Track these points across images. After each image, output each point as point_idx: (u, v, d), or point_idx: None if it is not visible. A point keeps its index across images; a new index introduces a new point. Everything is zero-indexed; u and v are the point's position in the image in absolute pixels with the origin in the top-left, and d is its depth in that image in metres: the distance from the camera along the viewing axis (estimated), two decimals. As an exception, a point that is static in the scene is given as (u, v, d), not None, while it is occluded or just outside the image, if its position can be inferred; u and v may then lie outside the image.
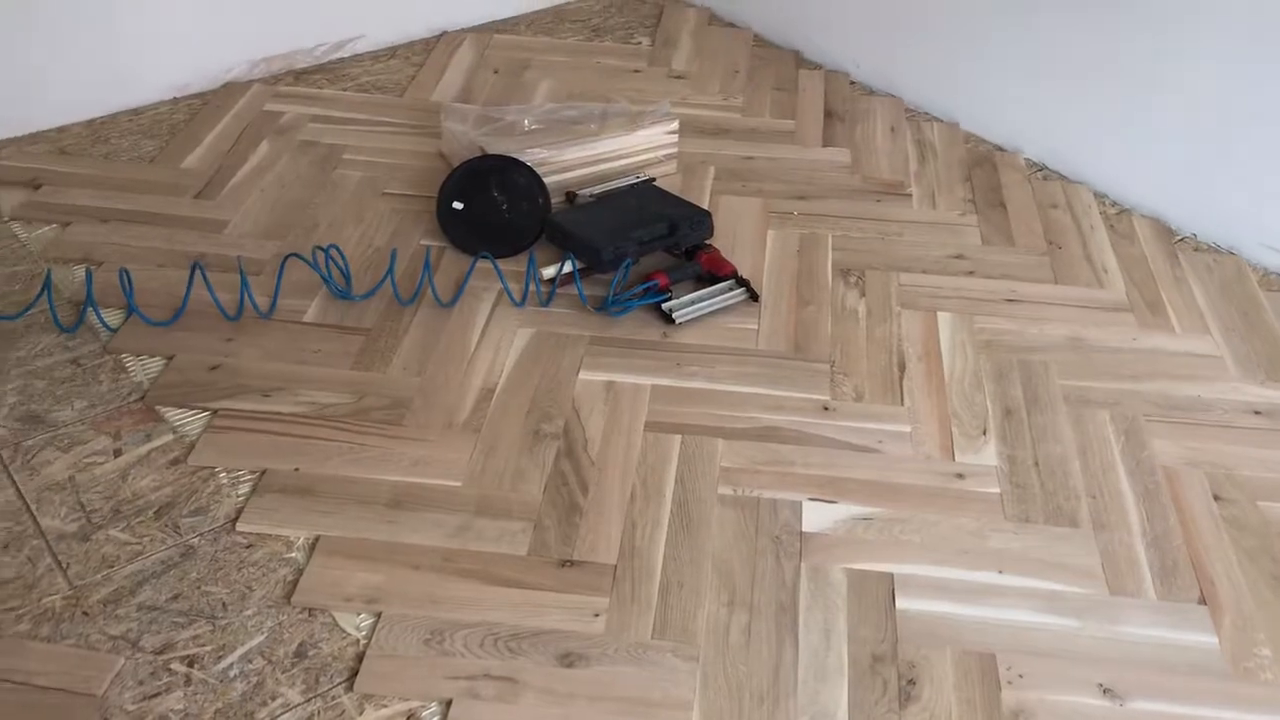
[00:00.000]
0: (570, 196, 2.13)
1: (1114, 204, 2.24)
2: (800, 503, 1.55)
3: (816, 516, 1.53)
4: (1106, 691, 1.31)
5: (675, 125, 2.22)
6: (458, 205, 2.02)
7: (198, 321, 1.82)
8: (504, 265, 1.96)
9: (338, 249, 1.91)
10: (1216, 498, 1.57)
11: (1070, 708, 1.29)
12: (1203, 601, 1.42)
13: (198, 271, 1.84)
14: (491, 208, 2.02)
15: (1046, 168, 2.34)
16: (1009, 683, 1.32)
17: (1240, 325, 1.91)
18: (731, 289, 1.92)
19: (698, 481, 1.57)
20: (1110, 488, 1.58)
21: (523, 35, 2.82)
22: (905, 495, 1.56)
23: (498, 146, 2.10)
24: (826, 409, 1.71)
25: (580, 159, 2.15)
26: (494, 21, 2.88)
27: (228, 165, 2.23)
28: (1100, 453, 1.64)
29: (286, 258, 1.89)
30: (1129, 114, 2.17)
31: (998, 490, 1.58)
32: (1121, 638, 1.37)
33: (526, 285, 1.91)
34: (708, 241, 2.00)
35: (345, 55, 2.67)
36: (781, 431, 1.66)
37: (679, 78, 2.64)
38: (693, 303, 1.88)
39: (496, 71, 2.63)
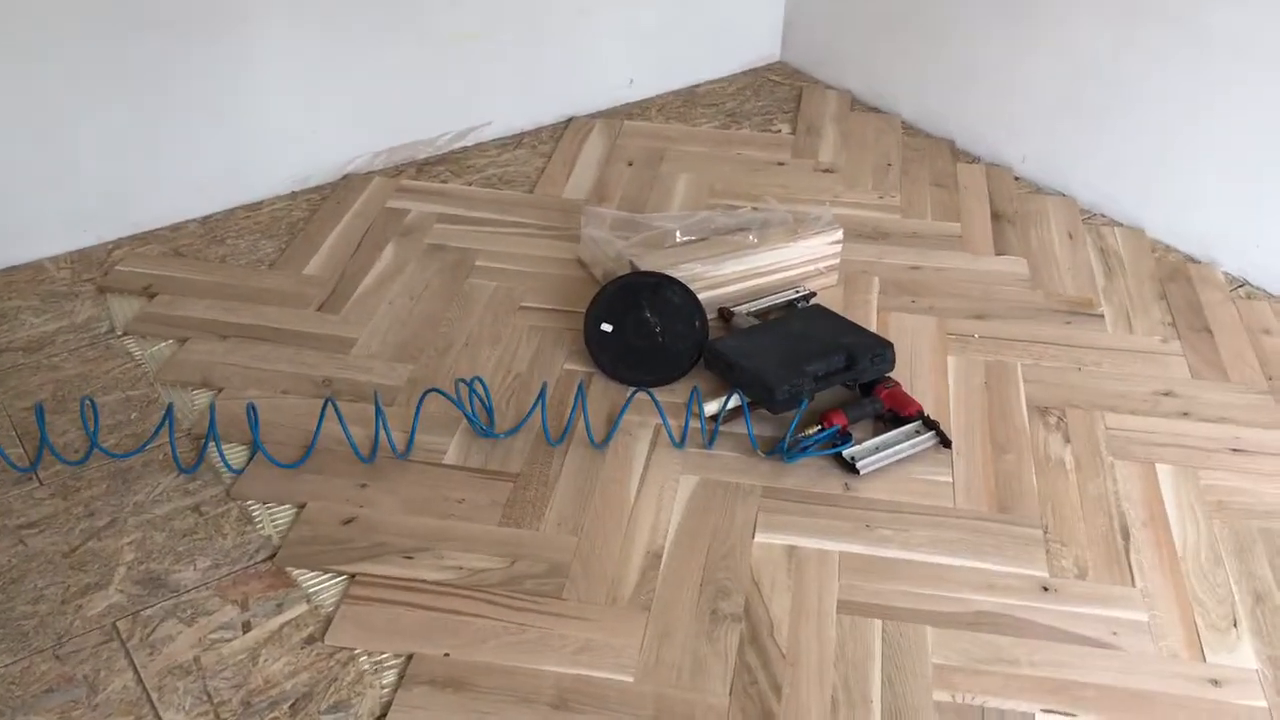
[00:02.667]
0: (725, 315, 1.94)
1: (1335, 328, 1.99)
2: (1034, 715, 1.32)
3: (1053, 734, 1.30)
4: None
5: (839, 235, 2.02)
6: (607, 327, 1.83)
7: (328, 463, 1.64)
8: (660, 397, 1.76)
9: (482, 382, 1.73)
10: None
11: None
12: None
13: (330, 406, 1.66)
14: (644, 330, 1.83)
15: (1249, 283, 2.10)
16: None
17: None
18: (918, 432, 1.70)
19: (908, 684, 1.35)
20: (1401, 704, 1.34)
21: (654, 121, 2.64)
22: (1154, 706, 1.33)
23: (648, 260, 1.91)
24: (1046, 589, 1.48)
25: (737, 273, 1.95)
26: (624, 105, 2.70)
27: (352, 272, 2.06)
28: (1380, 656, 1.40)
29: (426, 393, 1.71)
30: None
31: (1264, 704, 1.34)
32: None
33: (687, 422, 1.72)
34: (888, 375, 1.79)
35: (469, 144, 2.51)
36: (998, 618, 1.44)
37: (827, 171, 2.44)
38: (877, 449, 1.67)
39: (630, 164, 2.45)
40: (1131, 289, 2.07)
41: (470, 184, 2.37)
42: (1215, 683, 1.36)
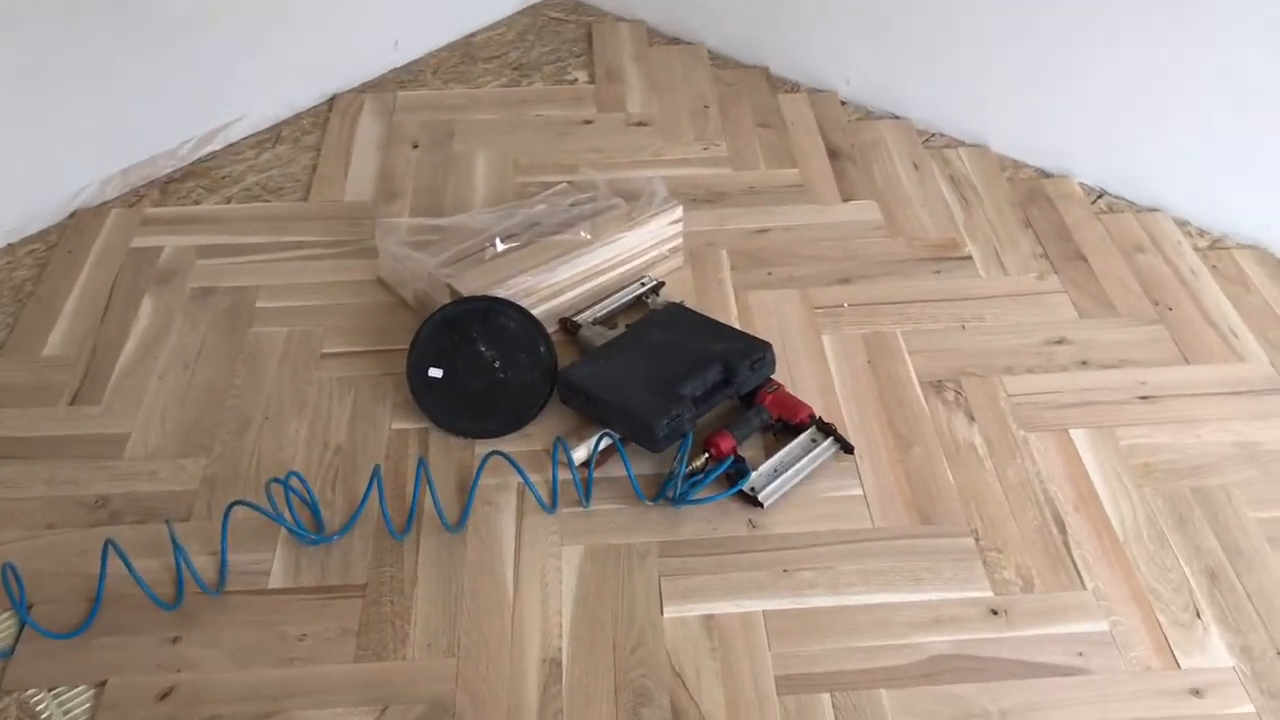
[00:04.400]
0: (569, 327, 1.67)
1: (1201, 232, 1.88)
2: (1020, 781, 1.16)
3: (1049, 800, 1.14)
4: None
5: (679, 213, 1.76)
6: (436, 373, 1.54)
7: (125, 617, 1.31)
8: (517, 447, 1.49)
9: (299, 478, 1.41)
10: None
11: None
12: None
13: (111, 549, 1.31)
14: (480, 368, 1.55)
15: (1107, 192, 1.97)
16: None
17: None
18: (814, 440, 1.50)
19: (879, 772, 1.16)
20: (1383, 677, 1.24)
21: (432, 88, 2.29)
22: (1144, 739, 1.19)
23: (468, 281, 1.61)
24: (995, 612, 1.31)
25: (574, 277, 1.68)
26: (392, 71, 2.33)
27: (105, 343, 1.68)
28: (1348, 622, 1.29)
29: (230, 507, 1.37)
30: (1213, 123, 1.80)
31: (1252, 708, 1.21)
32: None
33: (555, 478, 1.45)
34: (770, 377, 1.56)
35: (218, 148, 2.10)
36: (954, 662, 1.26)
37: (640, 125, 2.16)
38: (776, 471, 1.46)
39: (416, 146, 2.11)
40: (993, 220, 1.91)
41: (229, 200, 1.98)
42: (1197, 693, 1.23)
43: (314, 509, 1.41)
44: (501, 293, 1.58)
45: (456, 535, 1.40)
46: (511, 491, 1.46)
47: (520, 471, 1.43)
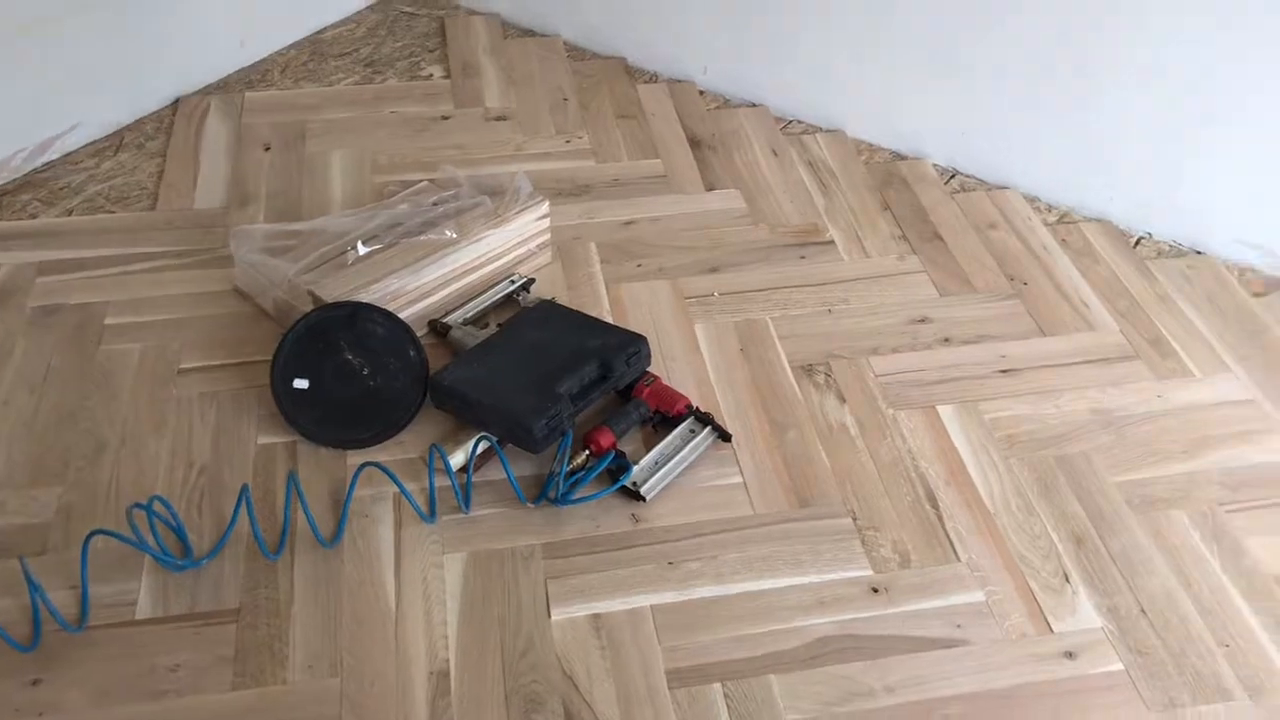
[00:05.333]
0: (439, 329, 1.63)
1: (1049, 207, 1.95)
2: (909, 754, 1.18)
3: (936, 771, 1.17)
4: None
5: (546, 208, 1.74)
6: (301, 384, 1.49)
7: (-24, 664, 1.23)
8: (391, 456, 1.46)
9: (163, 501, 1.35)
10: (1349, 609, 1.33)
11: None
12: None
13: (-43, 591, 1.24)
14: (348, 376, 1.51)
15: (959, 172, 2.03)
16: None
17: (1253, 351, 1.67)
18: (692, 431, 1.50)
19: (773, 758, 1.18)
20: (1237, 626, 1.31)
21: (281, 88, 2.21)
22: (1022, 704, 1.22)
23: (330, 287, 1.56)
24: (876, 590, 1.34)
25: (442, 278, 1.65)
26: (238, 72, 2.25)
27: (-61, 370, 1.58)
28: (1203, 575, 1.36)
29: (90, 537, 1.30)
30: (1055, 100, 1.87)
31: (1120, 666, 1.26)
32: None
33: (432, 485, 1.42)
34: (646, 370, 1.56)
35: (54, 158, 1.99)
36: (839, 642, 1.28)
37: (500, 119, 2.13)
38: (657, 464, 1.46)
39: (267, 148, 2.04)
40: (853, 204, 1.95)
41: (70, 212, 1.88)
42: (1070, 655, 1.27)
43: (180, 533, 1.35)
44: (366, 297, 1.54)
45: (332, 551, 1.36)
46: (388, 502, 1.42)
47: (395, 481, 1.40)
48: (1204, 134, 1.76)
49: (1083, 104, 1.83)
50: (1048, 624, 1.31)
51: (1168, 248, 1.87)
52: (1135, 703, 1.23)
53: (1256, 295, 1.78)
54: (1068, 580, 1.35)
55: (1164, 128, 1.78)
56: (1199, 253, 1.86)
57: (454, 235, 1.65)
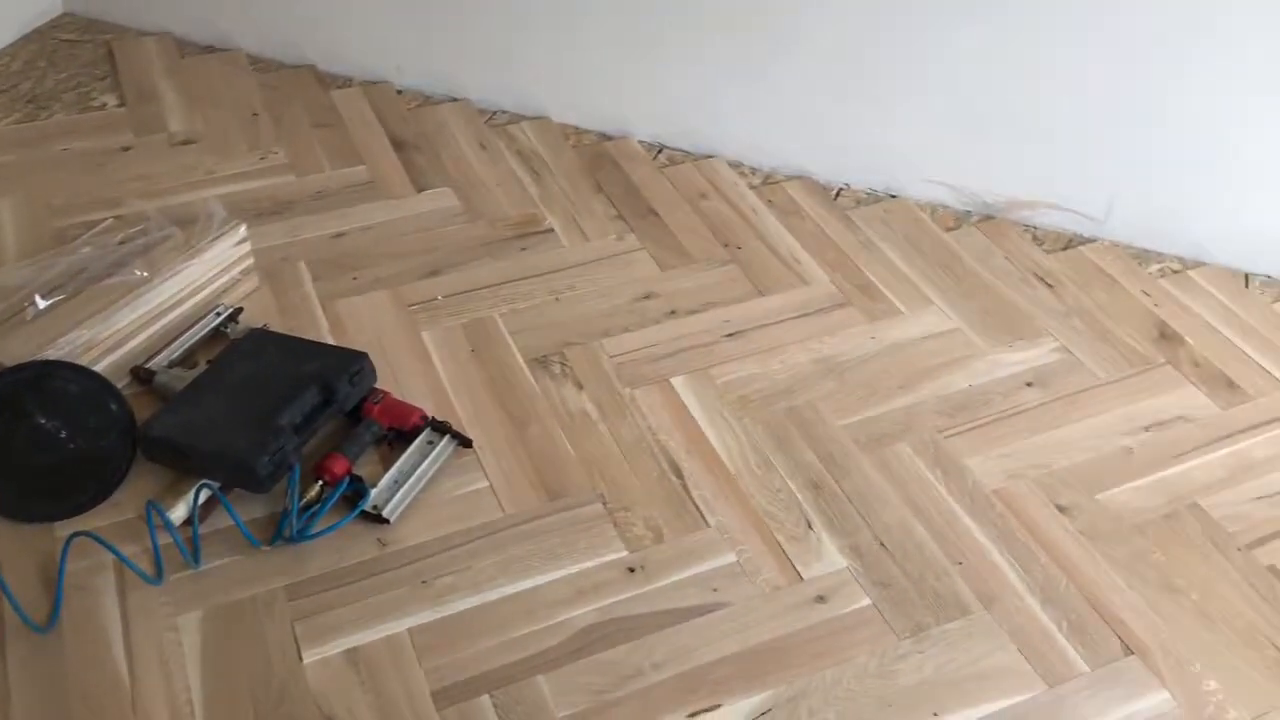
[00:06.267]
0: (142, 376, 1.52)
1: (753, 171, 2.02)
2: (683, 727, 1.19)
3: (711, 737, 1.19)
4: (1126, 823, 1.13)
5: (243, 232, 1.65)
6: (-10, 458, 1.35)
7: None
8: (102, 521, 1.34)
9: None
10: (1060, 509, 1.43)
11: None
12: (1129, 651, 1.28)
13: None
14: (43, 442, 1.38)
15: (666, 146, 2.06)
16: None
17: (951, 283, 1.78)
18: (431, 443, 1.46)
19: (551, 759, 1.16)
20: (967, 544, 1.39)
21: (-68, 133, 2.00)
22: (783, 655, 1.26)
23: (10, 348, 1.43)
24: (633, 569, 1.34)
25: (137, 321, 1.53)
26: (-125, 122, 2.02)
27: None
28: (931, 500, 1.44)
29: None
30: (747, 67, 1.93)
31: (868, 600, 1.32)
32: (1095, 741, 1.19)
33: (155, 544, 1.32)
34: (373, 387, 1.50)
35: None
36: (602, 629, 1.28)
37: (187, 143, 2.01)
38: (396, 483, 1.41)
39: (-77, 203, 1.84)
40: (566, 189, 1.94)
41: None
42: (821, 599, 1.32)
43: None
44: (53, 354, 1.42)
45: (50, 635, 1.24)
46: (108, 571, 1.31)
47: (110, 547, 1.29)
48: (884, 86, 1.85)
49: (773, 68, 1.90)
50: (797, 573, 1.35)
51: (865, 196, 1.97)
52: (886, 634, 1.29)
53: (949, 230, 1.90)
54: (810, 527, 1.40)
55: (847, 83, 1.87)
56: (894, 196, 1.96)
57: (144, 274, 1.54)
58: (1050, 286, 1.78)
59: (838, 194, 1.97)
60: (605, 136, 2.08)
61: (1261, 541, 1.40)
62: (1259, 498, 1.46)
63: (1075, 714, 1.21)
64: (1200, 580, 1.35)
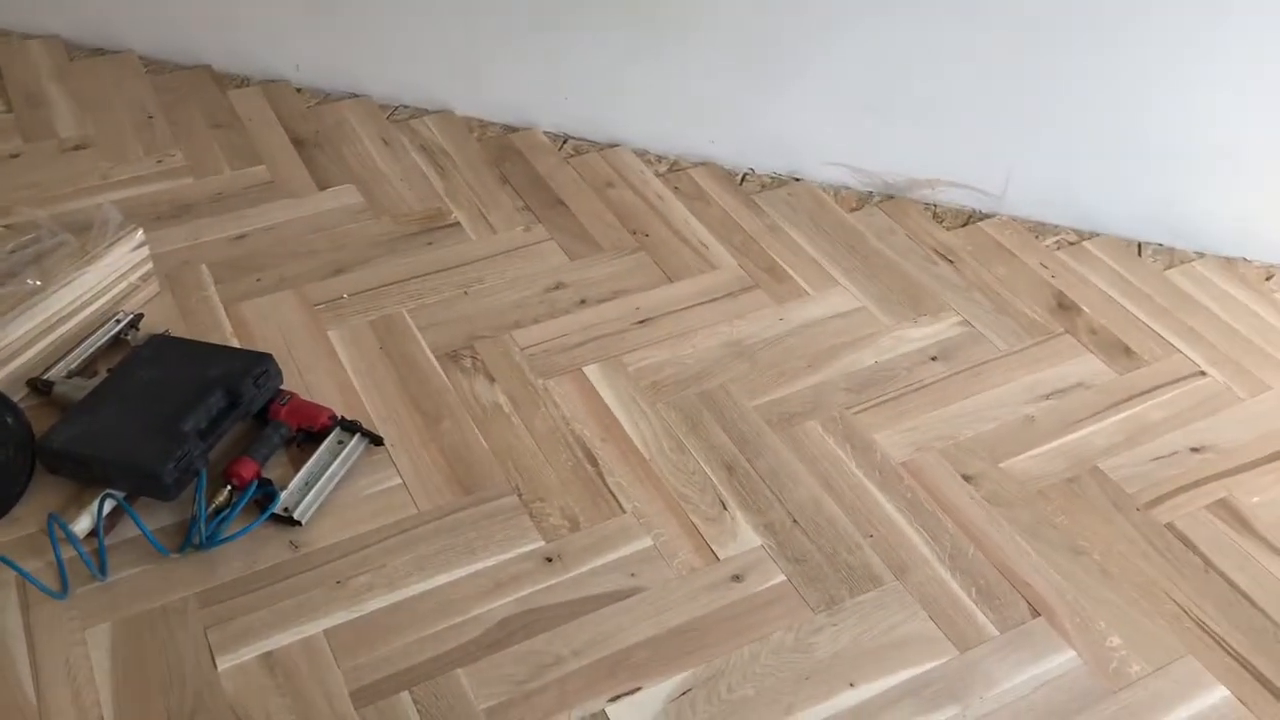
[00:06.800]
0: (41, 388, 1.49)
1: (659, 158, 2.03)
2: (603, 712, 1.20)
3: (633, 720, 1.19)
4: (1037, 779, 1.16)
5: (140, 236, 1.62)
6: (-120, 479, 1.31)
7: None
8: (4, 534, 1.31)
9: None
10: (966, 478, 1.47)
11: (1021, 822, 1.13)
12: (1035, 613, 1.31)
13: None
14: (-63, 461, 1.34)
15: (570, 136, 2.06)
16: (952, 827, 1.12)
17: (856, 263, 1.81)
18: (341, 442, 1.45)
19: (473, 751, 1.16)
20: (877, 515, 1.42)
21: None
22: (701, 635, 1.27)
23: (-102, 363, 1.38)
24: (550, 559, 1.35)
25: (32, 332, 1.49)
26: None
27: None
28: (842, 476, 1.46)
29: None
30: (649, 54, 1.93)
31: (783, 577, 1.34)
32: (1003, 703, 1.22)
33: (59, 558, 1.29)
34: (280, 388, 1.49)
35: None
36: (521, 620, 1.28)
37: (79, 148, 1.96)
38: (307, 484, 1.39)
39: None
40: (472, 182, 1.94)
41: None
42: (737, 578, 1.34)
43: None
44: (-57, 369, 1.38)
45: (-49, 656, 1.21)
46: (9, 587, 1.28)
47: (10, 564, 1.26)
48: (783, 71, 1.87)
49: (674, 56, 1.91)
50: (713, 553, 1.36)
51: (769, 179, 1.99)
52: (802, 608, 1.31)
53: (852, 210, 1.93)
54: (725, 508, 1.42)
55: (748, 69, 1.89)
56: (798, 180, 1.99)
57: (38, 282, 1.50)
58: (951, 262, 1.82)
59: (743, 179, 1.99)
60: (510, 128, 2.08)
61: (1159, 501, 1.45)
62: (1156, 458, 1.51)
63: (986, 677, 1.24)
64: (1102, 541, 1.40)
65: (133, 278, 1.62)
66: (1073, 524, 1.42)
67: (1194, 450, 1.52)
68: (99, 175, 1.89)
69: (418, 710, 1.19)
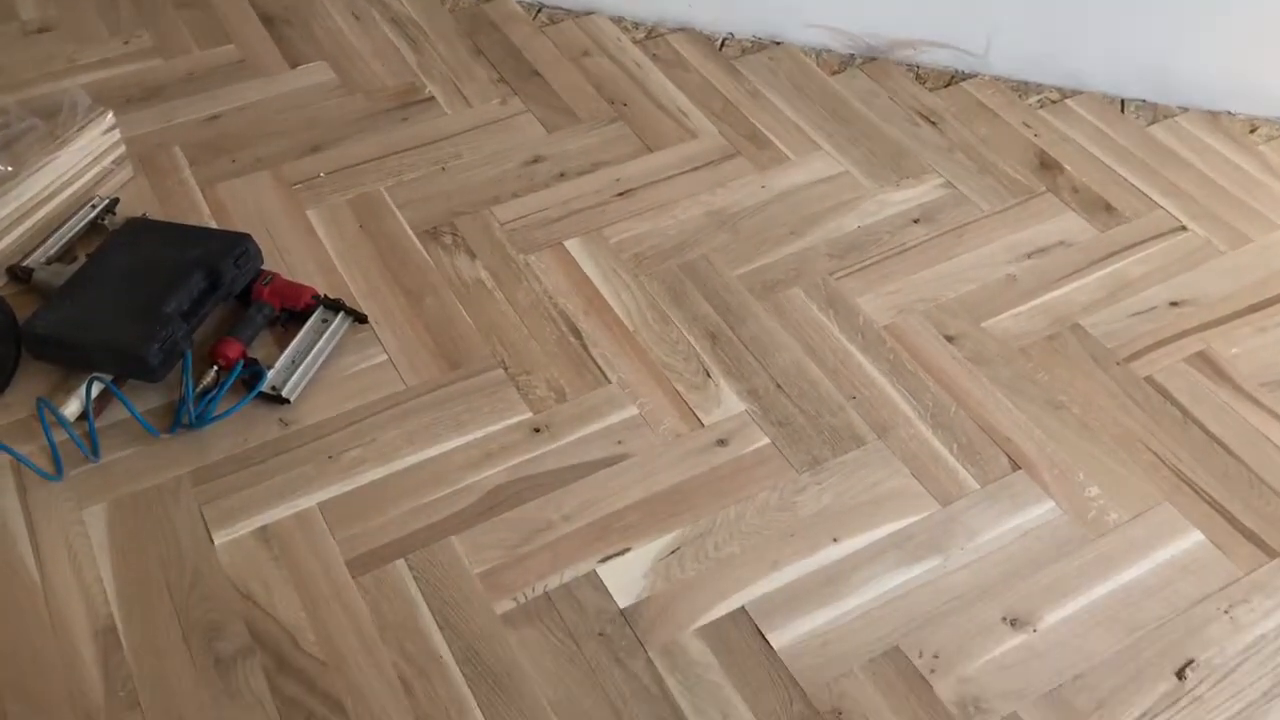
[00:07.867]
0: (20, 274, 1.48)
1: (635, 25, 1.98)
2: (594, 572, 1.23)
3: (622, 580, 1.22)
4: (1014, 623, 1.20)
5: (111, 119, 1.59)
6: None
7: None
8: (-5, 426, 1.33)
9: None
10: (948, 339, 1.48)
11: (998, 665, 1.17)
12: (1016, 466, 1.34)
13: None
14: (-78, 350, 1.34)
15: (545, 5, 2.02)
16: (931, 671, 1.16)
17: (838, 127, 1.79)
18: (325, 320, 1.45)
19: (466, 614, 1.19)
20: (860, 378, 1.43)
21: None
22: (688, 497, 1.30)
23: (-126, 253, 1.37)
24: (538, 430, 1.36)
25: (7, 218, 1.48)
26: None
27: None
28: (825, 341, 1.47)
29: None
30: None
31: (767, 440, 1.36)
32: (984, 553, 1.26)
33: (51, 441, 1.30)
34: (261, 269, 1.48)
35: None
36: (512, 488, 1.30)
37: (42, 31, 1.91)
38: (294, 363, 1.40)
39: None
40: (445, 56, 1.90)
41: None
42: (722, 442, 1.36)
43: None
44: (-80, 258, 1.37)
45: (-49, 539, 1.23)
46: (5, 471, 1.29)
47: (3, 447, 1.27)
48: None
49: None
50: (698, 420, 1.38)
51: (750, 44, 1.95)
52: (786, 469, 1.33)
53: (834, 74, 1.90)
54: (709, 376, 1.43)
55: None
56: (778, 44, 1.95)
57: (8, 168, 1.48)
58: (934, 124, 1.80)
59: (722, 44, 1.95)
60: (482, -2, 2.03)
61: (1138, 354, 1.47)
62: (1136, 314, 1.52)
63: (967, 528, 1.28)
64: (1081, 395, 1.42)
65: (105, 161, 1.60)
66: (1053, 380, 1.44)
67: (1173, 304, 1.53)
68: (65, 59, 1.85)
69: (413, 576, 1.22)
